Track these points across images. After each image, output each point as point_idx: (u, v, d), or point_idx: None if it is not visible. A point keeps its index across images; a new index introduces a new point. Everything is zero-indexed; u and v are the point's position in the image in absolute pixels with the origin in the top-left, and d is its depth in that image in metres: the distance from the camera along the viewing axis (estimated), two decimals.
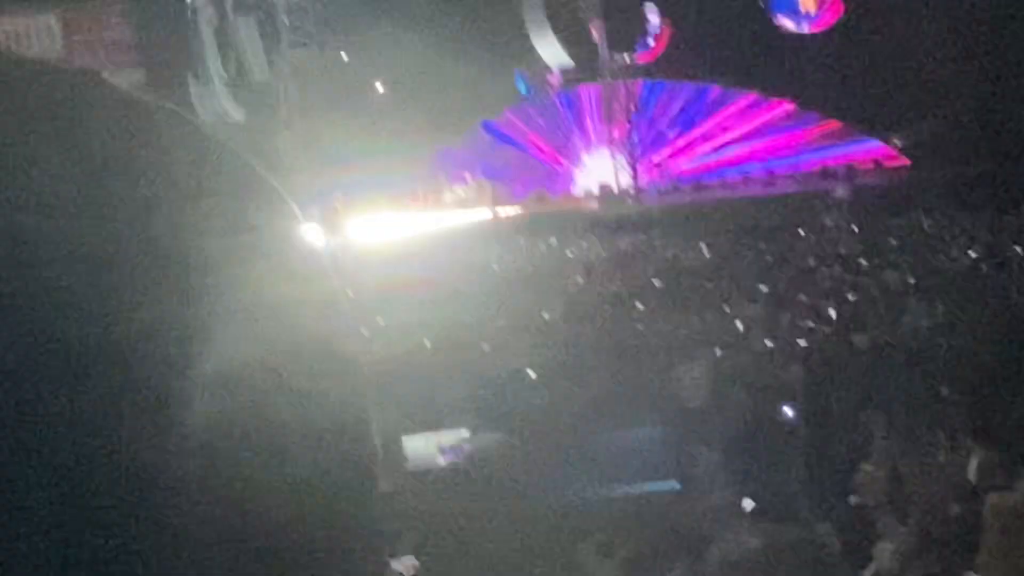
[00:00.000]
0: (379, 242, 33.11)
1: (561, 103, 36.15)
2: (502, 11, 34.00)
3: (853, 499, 8.03)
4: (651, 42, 33.46)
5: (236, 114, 38.11)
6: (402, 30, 34.87)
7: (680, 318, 14.02)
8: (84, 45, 39.08)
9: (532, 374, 11.01)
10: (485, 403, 9.80)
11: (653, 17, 33.29)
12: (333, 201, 35.12)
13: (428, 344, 13.48)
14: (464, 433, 9.05)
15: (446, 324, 14.49)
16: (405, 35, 34.95)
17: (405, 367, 11.56)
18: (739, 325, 13.23)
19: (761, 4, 31.39)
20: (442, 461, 8.79)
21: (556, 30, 34.68)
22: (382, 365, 11.43)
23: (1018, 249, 16.13)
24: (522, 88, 36.35)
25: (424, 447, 9.02)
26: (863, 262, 17.54)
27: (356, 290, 18.50)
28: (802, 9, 30.90)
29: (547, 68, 36.05)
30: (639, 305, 15.35)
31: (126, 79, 39.43)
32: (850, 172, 29.22)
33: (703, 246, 21.14)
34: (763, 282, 16.12)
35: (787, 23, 31.09)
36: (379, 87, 38.71)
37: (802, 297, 14.31)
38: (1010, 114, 25.75)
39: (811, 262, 18.22)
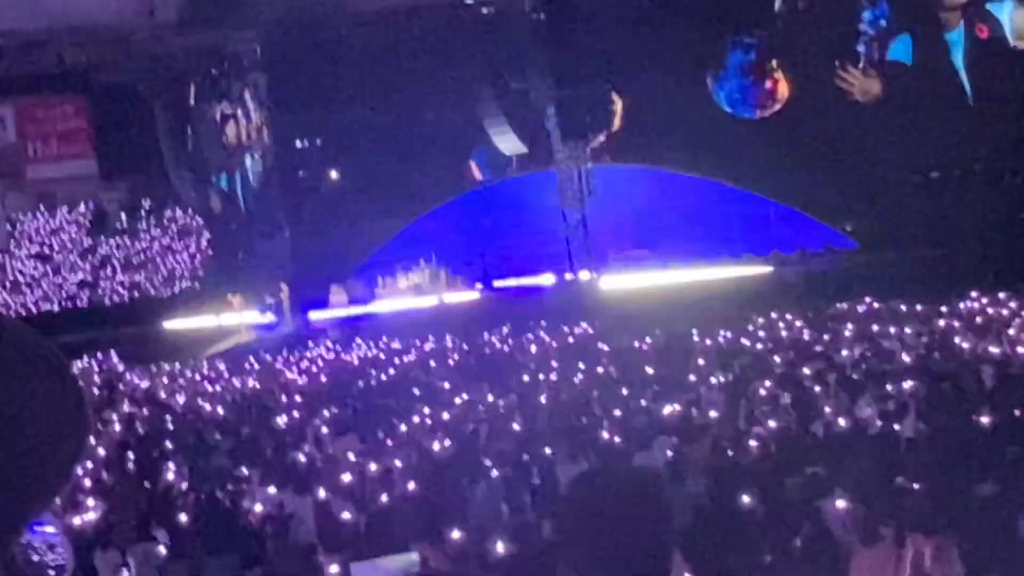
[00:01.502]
0: (332, 326, 33.07)
1: (516, 189, 36.32)
2: (458, 99, 34.27)
3: None
4: (603, 129, 33.81)
5: (213, 204, 38.25)
6: (359, 116, 35.08)
7: (634, 406, 14.00)
8: (38, 135, 39.07)
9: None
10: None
11: (605, 104, 33.68)
12: (279, 289, 35.11)
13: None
14: (413, 557, 8.65)
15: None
16: (361, 121, 35.17)
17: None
18: (695, 412, 13.25)
19: (712, 91, 31.80)
20: None
21: (510, 118, 34.99)
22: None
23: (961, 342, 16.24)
24: (481, 173, 36.52)
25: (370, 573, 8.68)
26: (816, 348, 17.64)
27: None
28: (750, 96, 31.34)
29: (502, 155, 36.31)
30: (594, 393, 15.33)
31: (79, 169, 39.40)
32: (803, 256, 29.49)
33: (657, 332, 21.20)
34: (719, 369, 16.16)
35: (735, 110, 31.51)
36: (333, 174, 38.85)
37: (757, 384, 14.35)
38: (958, 199, 26.13)
39: (764, 348, 18.30)
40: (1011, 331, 16.68)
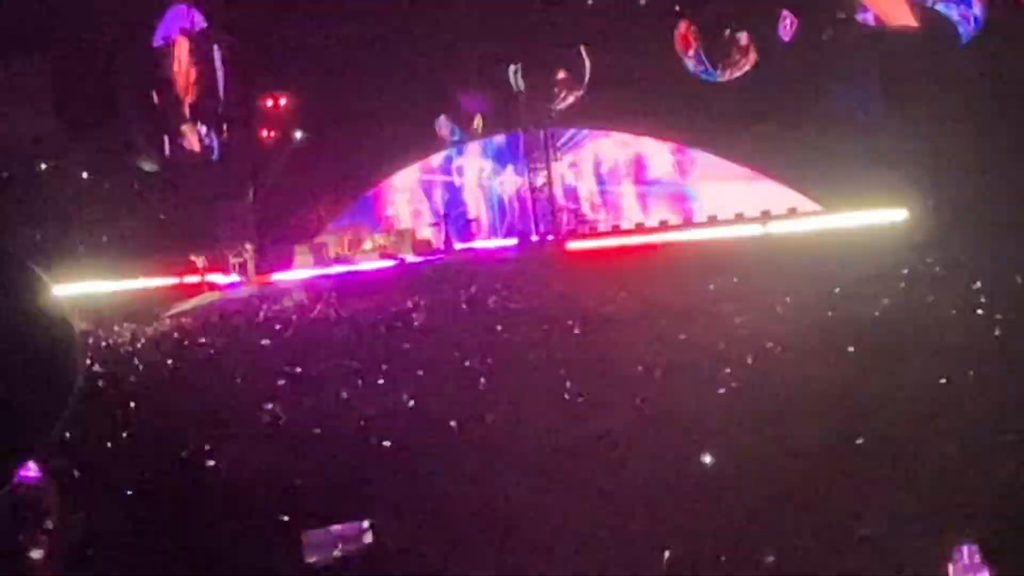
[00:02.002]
0: (297, 289, 32.96)
1: (483, 151, 36.30)
2: (425, 59, 34.06)
3: None
4: (570, 91, 33.72)
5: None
6: (325, 76, 34.89)
7: (603, 366, 14.06)
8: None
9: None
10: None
11: (572, 66, 33.57)
12: (244, 249, 35.02)
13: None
14: (364, 525, 8.73)
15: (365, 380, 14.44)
16: (327, 81, 34.98)
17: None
18: (657, 373, 13.31)
19: (683, 55, 31.72)
20: (338, 554, 8.56)
21: (478, 79, 34.87)
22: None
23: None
24: (453, 134, 36.40)
25: (322, 540, 8.74)
26: (779, 310, 17.71)
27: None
28: (717, 57, 31.29)
29: (468, 116, 36.20)
30: (561, 354, 15.38)
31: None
32: (764, 216, 29.58)
33: (624, 294, 21.24)
34: (682, 330, 16.22)
35: (704, 70, 31.45)
36: (298, 133, 38.65)
37: (720, 344, 14.44)
38: (929, 158, 26.13)
39: (727, 309, 18.36)
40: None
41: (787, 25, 29.31)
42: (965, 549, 6.72)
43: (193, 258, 36.00)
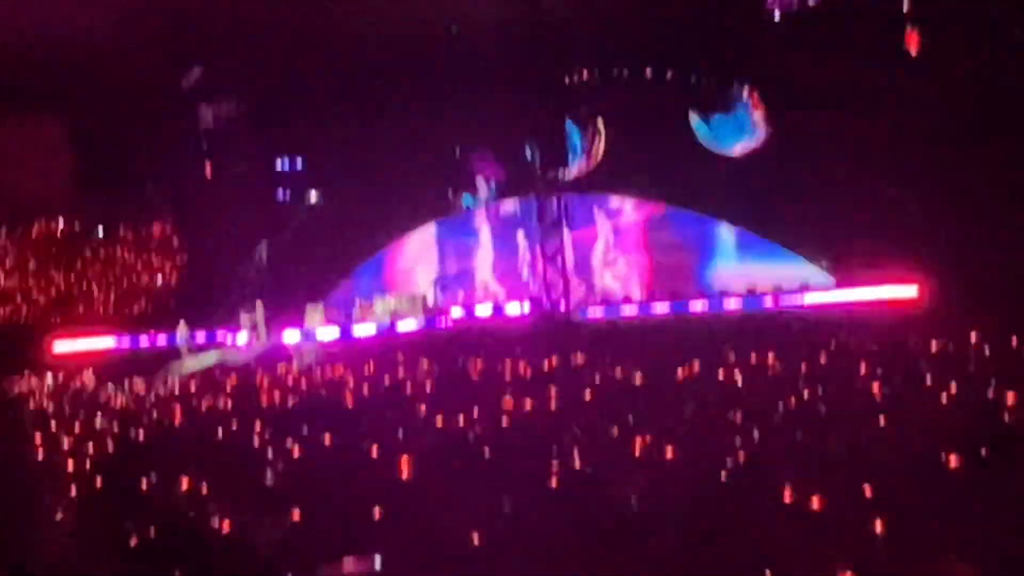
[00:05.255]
0: (307, 349, 32.99)
1: (494, 217, 36.37)
2: (440, 122, 34.28)
3: None
4: (582, 159, 33.88)
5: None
6: (341, 137, 35.17)
7: (612, 437, 14.01)
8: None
9: None
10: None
11: (585, 134, 33.77)
12: (254, 308, 35.08)
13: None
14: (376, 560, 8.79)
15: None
16: (343, 142, 35.25)
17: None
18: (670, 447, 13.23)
19: (696, 127, 31.89)
20: None
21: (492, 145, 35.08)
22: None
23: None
24: (466, 201, 36.53)
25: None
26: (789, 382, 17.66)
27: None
28: (736, 134, 31.44)
29: (482, 181, 36.35)
30: (573, 426, 15.31)
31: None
32: (776, 292, 29.57)
33: (634, 365, 21.18)
34: (692, 401, 16.19)
35: (720, 146, 31.62)
36: (314, 194, 38.85)
37: (732, 416, 14.39)
38: (942, 240, 26.16)
39: (740, 382, 18.34)
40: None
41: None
42: None
43: (204, 316, 36.02)
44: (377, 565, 8.67)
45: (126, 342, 35.99)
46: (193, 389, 26.32)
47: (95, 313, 38.96)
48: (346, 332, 34.01)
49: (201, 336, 35.56)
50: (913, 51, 27.99)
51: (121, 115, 35.54)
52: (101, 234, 39.91)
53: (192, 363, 33.59)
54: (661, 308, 31.22)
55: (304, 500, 11.89)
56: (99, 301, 39.26)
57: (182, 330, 34.60)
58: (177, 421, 19.75)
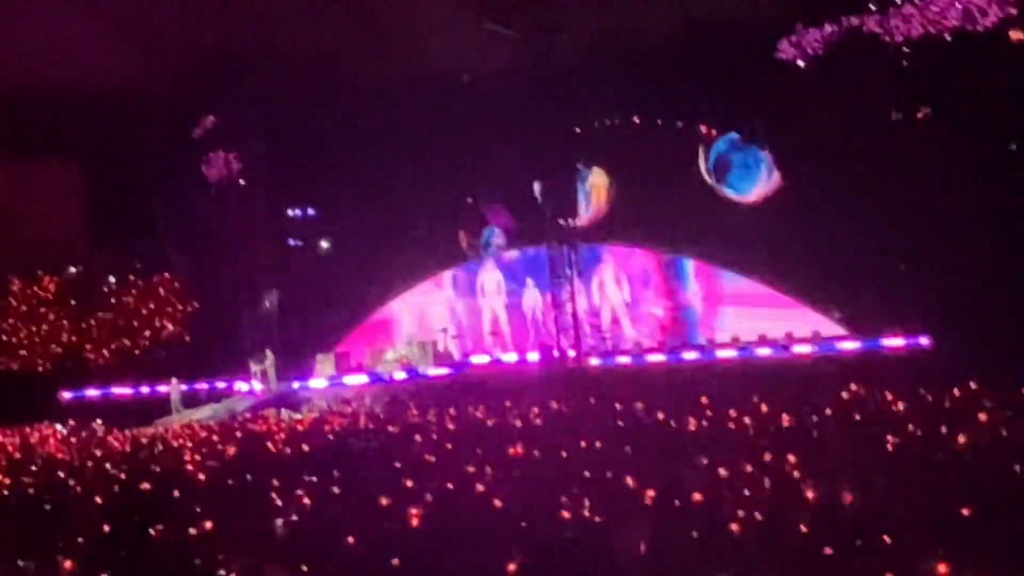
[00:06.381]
0: (317, 397, 32.97)
1: (504, 265, 36.46)
2: (449, 173, 34.44)
3: None
4: (592, 207, 34.01)
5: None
6: (352, 187, 35.34)
7: (621, 481, 13.92)
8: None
9: None
10: None
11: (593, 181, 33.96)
12: (264, 357, 35.11)
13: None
14: None
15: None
16: (354, 192, 35.42)
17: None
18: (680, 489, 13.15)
19: (706, 175, 31.97)
20: None
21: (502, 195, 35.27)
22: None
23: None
24: (470, 246, 36.62)
25: None
26: (800, 432, 17.58)
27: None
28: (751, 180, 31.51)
29: (490, 230, 36.47)
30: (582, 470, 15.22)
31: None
32: (788, 341, 29.52)
33: (643, 409, 21.12)
34: (704, 448, 16.08)
35: (733, 193, 31.68)
36: (324, 243, 39.02)
37: (744, 465, 14.29)
38: (951, 287, 26.10)
39: (751, 429, 18.24)
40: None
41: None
42: None
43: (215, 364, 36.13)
44: None
45: (132, 390, 36.09)
46: (205, 435, 26.26)
47: (104, 361, 39.04)
48: (356, 379, 34.02)
49: (205, 386, 35.62)
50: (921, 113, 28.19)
51: (134, 164, 35.79)
52: (112, 282, 40.05)
53: (202, 411, 33.61)
54: (668, 356, 31.16)
55: (308, 551, 11.84)
56: (108, 349, 39.33)
57: (174, 388, 34.63)
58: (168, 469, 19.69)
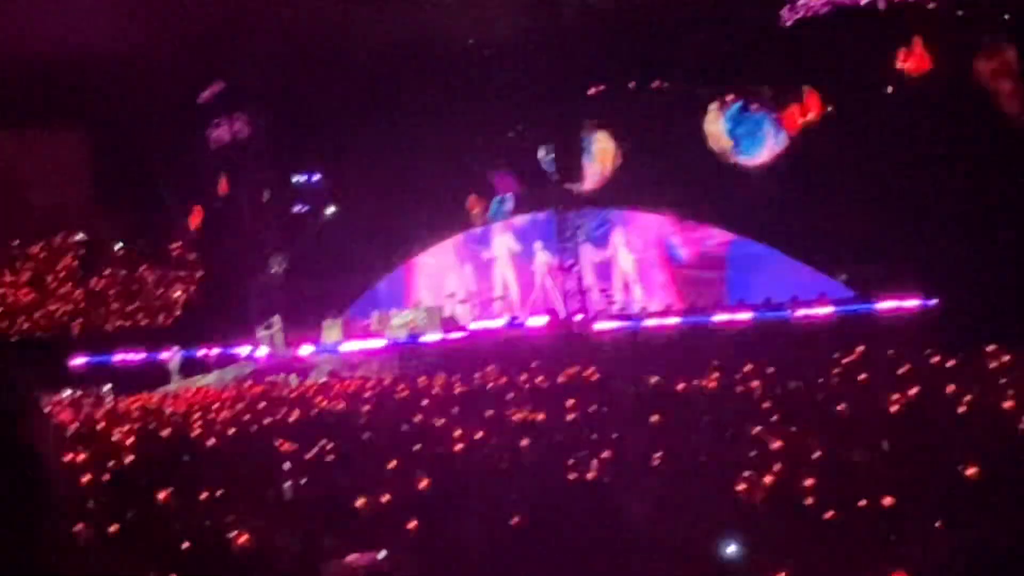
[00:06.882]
0: (325, 362, 33.05)
1: (512, 230, 36.45)
2: (457, 137, 34.35)
3: None
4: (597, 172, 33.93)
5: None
6: (359, 152, 35.30)
7: (626, 449, 13.97)
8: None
9: None
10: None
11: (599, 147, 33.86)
12: (272, 322, 35.19)
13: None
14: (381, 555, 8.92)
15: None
16: (361, 157, 35.38)
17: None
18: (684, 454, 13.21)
19: (714, 141, 31.85)
20: None
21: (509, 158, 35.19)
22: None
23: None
24: (492, 211, 36.60)
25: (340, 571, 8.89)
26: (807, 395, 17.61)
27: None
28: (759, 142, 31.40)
29: (497, 195, 36.43)
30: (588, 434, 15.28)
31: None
32: (794, 303, 29.48)
33: (650, 376, 21.15)
34: (708, 413, 16.14)
35: (742, 158, 31.58)
36: (331, 208, 38.99)
37: (747, 428, 14.34)
38: (958, 253, 26.02)
39: (757, 393, 18.28)
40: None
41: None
42: None
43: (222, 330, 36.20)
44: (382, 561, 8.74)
45: (142, 356, 36.19)
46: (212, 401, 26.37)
47: (113, 327, 39.14)
48: (363, 345, 34.08)
49: (212, 351, 35.73)
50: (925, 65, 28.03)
51: (140, 130, 35.73)
52: (120, 248, 40.11)
53: (208, 377, 33.75)
54: (678, 320, 31.14)
55: (318, 511, 11.92)
56: (117, 315, 39.43)
57: (174, 355, 34.75)
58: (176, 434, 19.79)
